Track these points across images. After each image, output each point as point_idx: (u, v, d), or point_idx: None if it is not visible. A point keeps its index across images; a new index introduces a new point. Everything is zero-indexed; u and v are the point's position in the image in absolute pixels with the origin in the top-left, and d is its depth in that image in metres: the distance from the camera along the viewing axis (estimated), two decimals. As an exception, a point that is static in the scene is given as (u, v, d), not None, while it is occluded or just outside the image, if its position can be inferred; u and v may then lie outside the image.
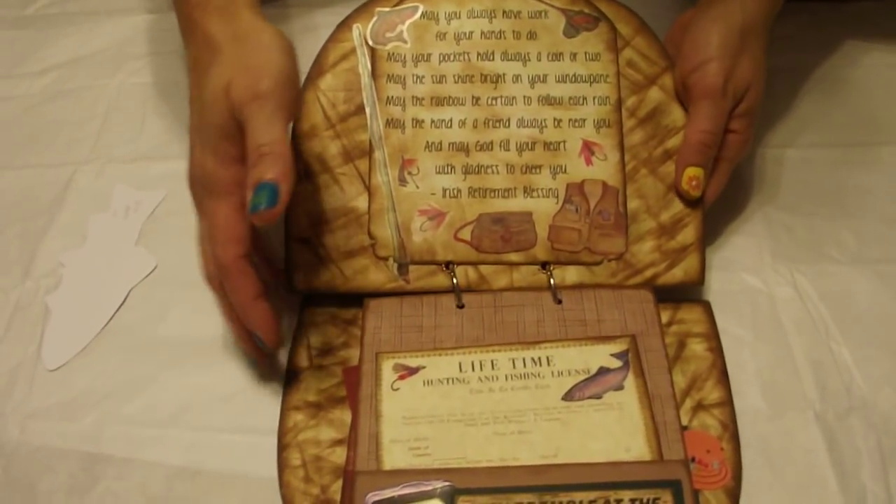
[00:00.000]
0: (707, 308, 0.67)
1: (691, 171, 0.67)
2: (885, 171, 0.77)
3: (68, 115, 0.84)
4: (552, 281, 0.67)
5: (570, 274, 0.67)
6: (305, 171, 0.69)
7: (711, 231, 0.70)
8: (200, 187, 0.61)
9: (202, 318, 0.69)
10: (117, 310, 0.70)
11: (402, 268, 0.67)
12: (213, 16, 0.63)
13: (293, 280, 0.67)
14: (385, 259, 0.68)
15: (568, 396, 0.61)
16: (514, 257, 0.68)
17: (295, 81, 0.60)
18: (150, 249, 0.74)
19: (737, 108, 0.68)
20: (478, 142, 0.69)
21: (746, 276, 0.70)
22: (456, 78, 0.70)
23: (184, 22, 0.66)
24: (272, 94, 0.58)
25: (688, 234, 0.68)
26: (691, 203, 0.68)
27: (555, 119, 0.70)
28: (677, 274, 0.67)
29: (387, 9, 0.72)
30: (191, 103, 0.62)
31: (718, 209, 0.70)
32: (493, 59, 0.70)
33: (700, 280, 0.67)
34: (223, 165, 0.59)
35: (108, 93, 0.86)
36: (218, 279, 0.61)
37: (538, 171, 0.69)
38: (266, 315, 0.60)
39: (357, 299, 0.67)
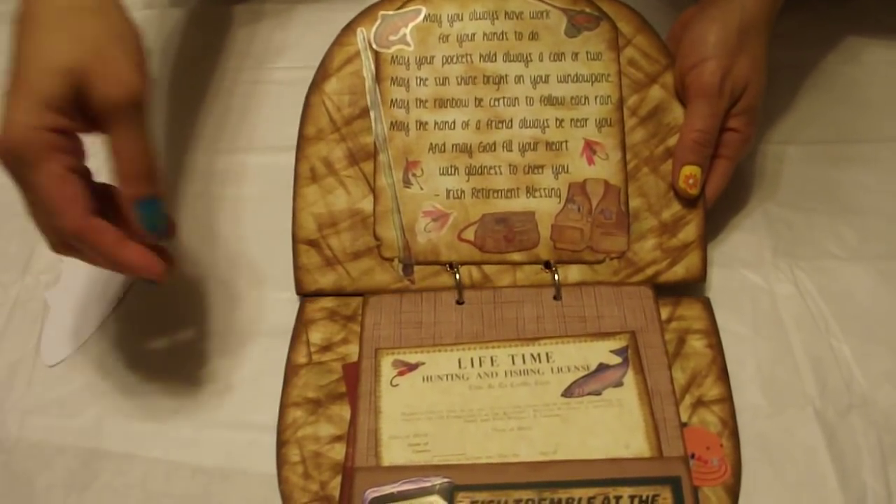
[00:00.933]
0: (707, 304, 0.67)
1: (688, 170, 0.67)
2: (886, 168, 0.76)
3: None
4: (556, 277, 0.67)
5: (573, 273, 0.67)
6: (312, 173, 0.69)
7: (711, 227, 0.70)
8: (13, 158, 0.54)
9: (201, 312, 0.69)
10: (117, 305, 0.70)
11: (408, 268, 0.68)
12: None
13: (301, 282, 0.68)
14: (390, 260, 0.68)
15: (567, 393, 0.61)
16: (517, 257, 0.68)
17: (149, 74, 0.58)
18: (149, 245, 0.73)
19: (735, 106, 0.68)
20: (481, 143, 0.69)
21: (746, 273, 0.70)
22: (459, 80, 0.70)
23: None
24: (144, 100, 0.56)
25: (689, 232, 0.68)
26: (690, 201, 0.68)
27: (557, 119, 0.70)
28: (679, 271, 0.67)
29: (390, 12, 0.72)
30: (14, 60, 0.56)
31: (718, 205, 0.70)
32: (496, 60, 0.71)
33: (702, 277, 0.67)
34: (39, 132, 0.54)
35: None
36: (67, 245, 0.57)
37: (540, 171, 0.69)
38: (140, 255, 0.57)
39: (356, 295, 0.68)
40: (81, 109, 0.55)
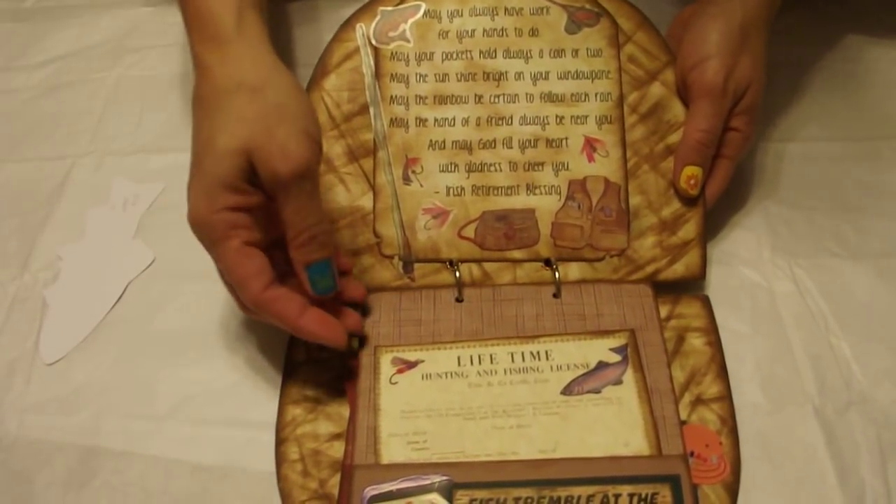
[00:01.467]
0: (706, 302, 0.67)
1: (689, 171, 0.67)
2: (886, 166, 0.76)
3: (66, 107, 0.84)
4: (556, 276, 0.67)
5: (573, 270, 0.67)
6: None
7: (711, 225, 0.70)
8: (200, 232, 0.58)
9: (200, 311, 0.69)
10: (115, 303, 0.70)
11: (407, 266, 0.67)
12: (210, 47, 0.60)
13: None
14: (390, 257, 0.68)
15: (567, 391, 0.61)
16: (517, 254, 0.68)
17: (319, 140, 0.59)
18: (148, 243, 0.73)
19: (737, 105, 0.68)
20: (481, 140, 0.69)
21: (745, 271, 0.70)
22: (459, 76, 0.70)
23: (191, 49, 0.62)
24: (312, 169, 0.57)
25: (689, 230, 0.68)
26: (690, 200, 0.68)
27: (557, 116, 0.69)
28: (679, 269, 0.67)
29: (390, 8, 0.71)
30: (194, 142, 0.59)
31: (718, 203, 0.70)
32: (496, 56, 0.70)
33: (701, 275, 0.67)
34: (218, 213, 0.57)
35: (107, 86, 0.85)
36: (251, 310, 0.60)
37: (541, 168, 0.69)
38: (320, 323, 0.60)
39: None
40: (256, 184, 0.57)
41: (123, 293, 0.70)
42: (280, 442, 0.61)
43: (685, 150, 0.67)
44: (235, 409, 0.64)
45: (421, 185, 0.69)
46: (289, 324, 0.58)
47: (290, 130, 0.56)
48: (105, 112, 0.83)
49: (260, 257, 0.58)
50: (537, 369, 0.62)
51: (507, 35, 0.71)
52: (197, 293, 0.69)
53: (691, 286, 0.68)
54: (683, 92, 0.69)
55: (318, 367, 0.65)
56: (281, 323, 0.59)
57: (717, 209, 0.70)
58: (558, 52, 0.70)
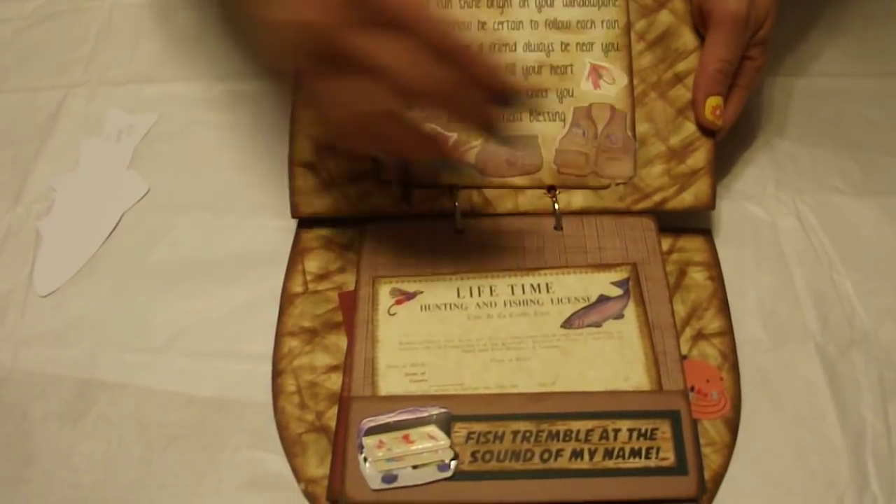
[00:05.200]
0: (708, 237, 0.67)
1: (714, 101, 0.66)
2: (893, 104, 0.75)
3: (59, 37, 0.83)
4: (556, 206, 0.66)
5: (577, 198, 0.66)
6: None
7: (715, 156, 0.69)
8: (330, 34, 0.50)
9: (196, 242, 0.68)
10: (110, 235, 0.69)
11: (406, 192, 0.66)
12: None
13: (296, 205, 0.66)
14: (389, 183, 0.66)
15: (567, 324, 0.61)
16: (519, 181, 0.67)
17: None
18: (142, 173, 0.73)
19: (755, 35, 0.66)
20: None
21: (749, 206, 0.69)
22: (461, 2, 0.69)
23: None
24: None
25: (698, 158, 0.66)
26: (710, 132, 0.67)
27: (562, 43, 0.68)
28: (687, 199, 0.66)
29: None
30: None
31: (722, 136, 0.69)
32: None
33: (711, 205, 0.66)
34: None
35: (101, 14, 0.84)
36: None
37: (544, 94, 0.68)
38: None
39: (353, 224, 0.67)
40: None
41: (118, 224, 0.70)
42: (277, 374, 0.61)
43: (706, 80, 0.66)
44: (232, 341, 0.64)
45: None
46: (476, 108, 0.53)
47: None
48: (98, 41, 0.82)
49: None
50: (537, 302, 0.62)
51: (510, -40, 0.69)
52: (192, 224, 0.69)
53: (693, 220, 0.67)
54: (699, 20, 0.67)
55: (315, 298, 0.64)
56: (466, 105, 0.53)
57: (721, 143, 0.69)
58: (564, -22, 0.69)
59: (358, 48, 0.50)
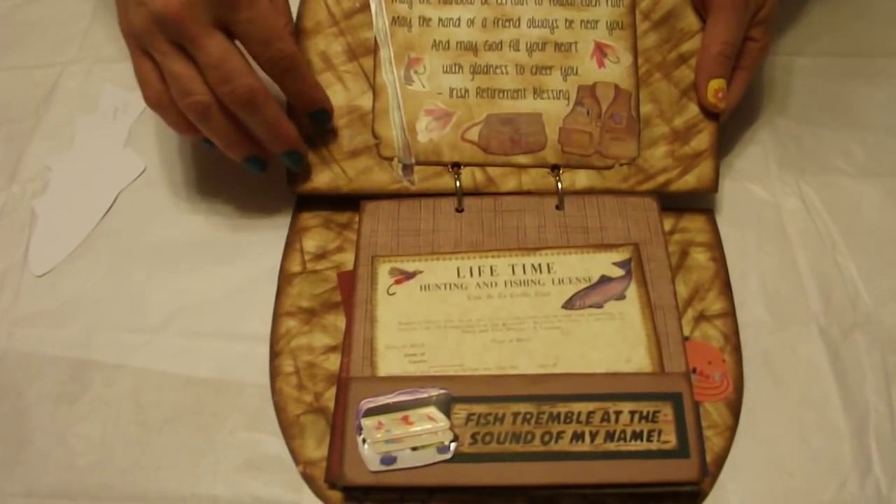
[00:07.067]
0: (710, 217, 0.66)
1: (716, 83, 0.66)
2: (896, 83, 0.75)
3: (54, 14, 0.82)
4: (560, 185, 0.65)
5: (580, 178, 0.66)
6: (308, 68, 0.66)
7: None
8: (179, 23, 0.57)
9: (192, 221, 0.68)
10: (106, 213, 0.69)
11: (407, 168, 0.66)
12: None
13: (294, 180, 0.66)
14: (389, 159, 0.66)
15: (568, 305, 0.60)
16: (522, 159, 0.66)
17: None
18: (138, 151, 0.72)
19: (756, 15, 0.66)
20: (486, 41, 0.68)
21: (752, 186, 0.69)
22: None
23: None
24: None
25: (702, 140, 0.66)
26: (712, 115, 0.66)
27: (566, 20, 0.68)
28: (690, 180, 0.66)
29: None
30: None
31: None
32: None
33: (714, 188, 0.66)
34: (209, 3, 0.58)
35: (96, -10, 0.84)
36: (216, 109, 0.60)
37: (548, 72, 0.67)
38: (294, 129, 0.62)
39: (352, 202, 0.66)
40: None
41: (114, 203, 0.69)
42: (275, 355, 0.61)
43: (709, 62, 0.66)
44: (229, 321, 0.63)
45: (423, 86, 0.67)
46: (274, 119, 0.61)
47: None
48: (94, 18, 0.81)
49: None
50: (538, 282, 0.61)
51: (515, -65, 0.69)
52: (189, 202, 0.68)
53: (696, 200, 0.67)
54: (699, 2, 0.67)
55: (313, 277, 0.64)
56: (265, 118, 0.60)
57: (724, 123, 0.69)
58: (569, -45, 0.69)
59: (195, 43, 0.58)
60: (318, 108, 0.64)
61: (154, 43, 0.58)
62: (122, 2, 0.61)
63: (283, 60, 0.60)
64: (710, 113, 0.66)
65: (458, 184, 0.65)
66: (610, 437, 0.55)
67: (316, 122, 0.65)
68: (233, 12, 0.58)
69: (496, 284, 0.61)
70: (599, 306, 0.60)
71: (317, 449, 0.57)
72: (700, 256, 0.64)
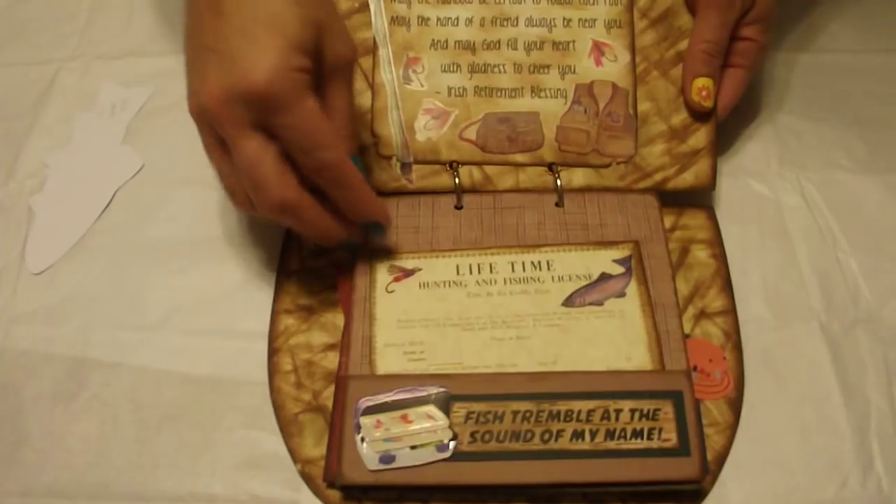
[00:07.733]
0: (711, 214, 0.66)
1: (700, 82, 0.65)
2: (898, 79, 0.75)
3: (52, 10, 0.82)
4: (558, 183, 0.65)
5: (578, 176, 0.66)
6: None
7: (717, 135, 0.68)
8: (273, 91, 0.52)
9: (190, 218, 0.68)
10: (103, 211, 0.69)
11: (406, 167, 0.66)
12: None
13: None
14: (388, 158, 0.66)
15: (568, 302, 0.60)
16: (520, 158, 0.66)
17: None
18: (136, 148, 0.72)
19: (747, 15, 0.66)
20: (485, 40, 0.67)
21: (752, 183, 0.69)
22: None
23: None
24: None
25: (699, 138, 0.66)
26: (703, 114, 0.66)
27: (564, 18, 0.68)
28: (688, 178, 0.66)
29: None
30: (239, 13, 0.54)
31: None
32: None
33: (711, 185, 0.66)
34: (294, 72, 0.53)
35: (94, -13, 0.84)
36: (298, 199, 0.55)
37: (546, 70, 0.67)
38: (380, 200, 0.60)
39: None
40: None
41: (111, 201, 0.69)
42: (273, 353, 0.61)
43: (691, 61, 0.66)
44: (227, 318, 0.63)
45: (422, 85, 0.67)
46: (363, 197, 0.58)
47: (343, 22, 0.59)
48: (92, 14, 0.81)
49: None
50: (538, 279, 0.61)
51: (513, -66, 0.69)
52: (187, 200, 0.68)
53: (696, 197, 0.67)
54: (689, 1, 0.67)
55: (312, 275, 0.64)
56: (353, 195, 0.57)
57: (724, 119, 0.69)
58: (567, -46, 0.69)
59: (231, 144, 0.55)
60: (370, 221, 0.60)
61: (202, 132, 0.57)
62: (188, 81, 0.57)
63: (327, 171, 0.55)
64: (696, 112, 0.66)
65: (456, 181, 0.65)
66: (610, 435, 0.55)
67: (370, 234, 0.62)
68: (272, 116, 0.53)
69: (496, 282, 0.61)
70: (599, 304, 0.60)
71: (315, 447, 0.57)
72: (701, 253, 0.64)
